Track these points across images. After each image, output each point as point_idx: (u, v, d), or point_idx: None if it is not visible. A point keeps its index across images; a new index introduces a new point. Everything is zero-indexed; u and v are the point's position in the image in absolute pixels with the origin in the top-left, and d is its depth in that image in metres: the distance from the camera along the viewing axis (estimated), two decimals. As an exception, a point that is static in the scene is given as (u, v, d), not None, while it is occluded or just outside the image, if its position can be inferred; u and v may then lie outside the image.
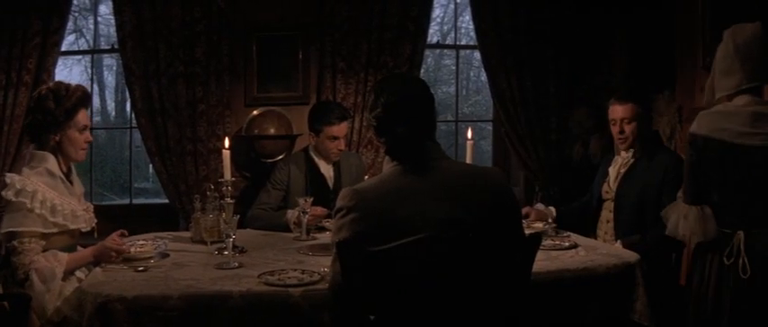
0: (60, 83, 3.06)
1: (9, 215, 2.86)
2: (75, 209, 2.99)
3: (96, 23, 5.91)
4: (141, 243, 3.29)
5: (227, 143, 3.17)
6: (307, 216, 3.45)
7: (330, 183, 3.95)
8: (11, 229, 2.82)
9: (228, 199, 3.10)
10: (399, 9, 4.82)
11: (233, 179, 3.12)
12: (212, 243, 3.29)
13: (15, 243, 2.80)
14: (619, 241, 3.42)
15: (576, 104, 4.99)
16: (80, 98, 3.02)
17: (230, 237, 2.88)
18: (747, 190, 2.64)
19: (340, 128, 3.83)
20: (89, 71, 6.20)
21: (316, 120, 3.88)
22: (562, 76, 5.05)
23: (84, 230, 3.08)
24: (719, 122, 2.65)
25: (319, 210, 3.61)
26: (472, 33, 5.19)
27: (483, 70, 5.17)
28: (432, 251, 2.02)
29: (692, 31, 4.37)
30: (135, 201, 5.45)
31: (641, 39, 4.76)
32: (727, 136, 2.62)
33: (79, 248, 3.12)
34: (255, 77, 4.90)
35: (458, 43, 5.44)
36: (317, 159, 3.94)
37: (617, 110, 3.57)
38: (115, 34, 4.66)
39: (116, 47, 4.71)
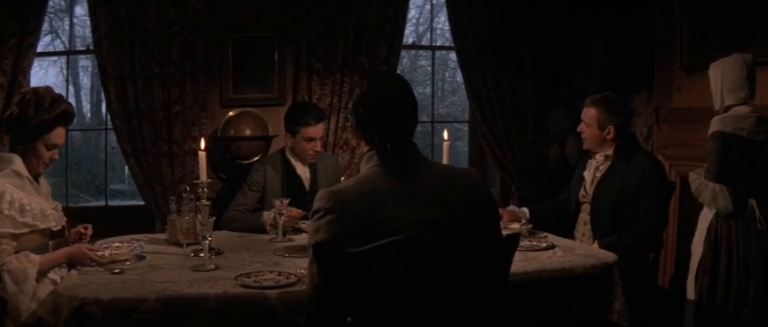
0: (49, 91, 2.99)
1: None
2: (43, 208, 2.96)
3: (72, 25, 5.84)
4: (117, 245, 3.26)
5: (203, 144, 3.16)
6: (283, 217, 3.43)
7: (306, 185, 3.94)
8: None
9: (204, 201, 3.08)
10: (376, 9, 4.83)
11: (209, 180, 3.10)
12: (188, 244, 3.27)
13: None
14: (596, 242, 3.45)
15: (554, 105, 5.02)
16: (60, 116, 2.95)
17: (206, 239, 2.86)
18: (756, 170, 3.35)
19: (316, 130, 3.83)
20: (64, 72, 6.14)
21: (292, 121, 3.87)
22: (539, 77, 5.08)
23: (54, 229, 3.04)
24: (737, 123, 3.34)
25: (295, 212, 3.60)
26: (448, 34, 5.22)
27: (458, 71, 5.19)
28: (410, 253, 2.00)
29: (671, 33, 4.41)
30: (111, 203, 5.39)
31: (619, 39, 4.79)
32: (744, 134, 3.32)
33: (51, 245, 3.09)
34: (231, 78, 4.88)
35: (433, 44, 5.45)
36: (293, 160, 3.93)
37: (584, 112, 3.63)
38: (91, 35, 4.62)
39: (92, 48, 4.67)
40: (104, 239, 3.43)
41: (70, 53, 4.87)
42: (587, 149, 3.70)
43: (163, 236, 3.54)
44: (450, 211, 2.11)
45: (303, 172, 3.93)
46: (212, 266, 2.84)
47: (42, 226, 2.94)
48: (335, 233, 2.03)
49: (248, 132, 4.67)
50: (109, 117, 4.68)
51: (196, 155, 4.63)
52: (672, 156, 4.47)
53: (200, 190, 3.07)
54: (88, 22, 4.68)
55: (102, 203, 5.42)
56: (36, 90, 2.99)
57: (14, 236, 2.83)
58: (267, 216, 3.61)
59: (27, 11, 4.42)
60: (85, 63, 8.05)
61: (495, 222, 2.25)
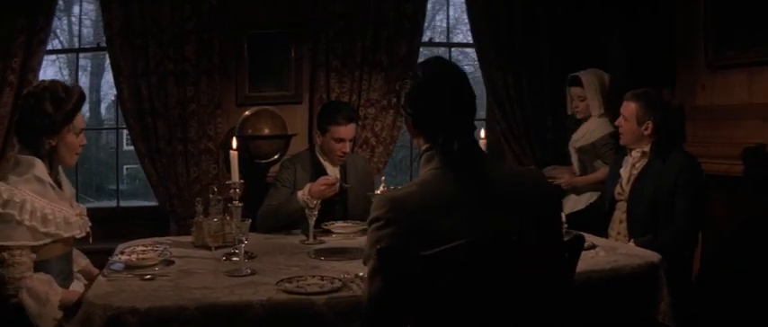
0: (56, 82, 2.85)
1: None
2: (67, 216, 2.81)
3: (71, 24, 5.72)
4: (141, 248, 3.15)
5: (235, 143, 3.03)
6: (314, 217, 3.33)
7: (336, 185, 3.81)
8: (1, 243, 2.63)
9: (237, 202, 2.96)
10: (394, 6, 4.73)
11: (241, 181, 2.98)
12: (217, 248, 3.16)
13: (5, 254, 2.61)
14: (632, 241, 3.37)
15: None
16: (79, 100, 2.84)
17: (243, 242, 2.75)
18: None
19: (347, 130, 3.72)
20: (63, 72, 6.00)
21: (323, 119, 3.79)
22: (557, 74, 4.99)
23: (78, 236, 2.90)
24: None
25: (331, 179, 3.52)
26: (461, 31, 5.15)
27: (474, 68, 5.10)
28: (479, 259, 1.88)
29: (694, 30, 4.32)
30: (122, 204, 5.26)
31: (639, 37, 4.71)
32: None
33: (77, 259, 2.98)
34: (247, 76, 4.77)
35: (449, 41, 5.36)
36: (323, 160, 3.82)
37: (623, 106, 3.56)
38: (91, 35, 4.50)
39: (100, 46, 4.55)
40: (126, 242, 3.32)
41: (80, 50, 4.74)
42: (624, 144, 3.63)
43: (186, 239, 3.43)
44: (520, 216, 1.97)
45: (333, 172, 3.80)
46: (248, 270, 2.73)
47: (65, 235, 2.80)
48: (397, 245, 1.88)
49: (267, 131, 4.56)
50: (121, 115, 4.55)
51: (212, 155, 4.56)
52: (695, 154, 4.39)
53: (233, 191, 2.95)
54: (87, 22, 4.57)
55: (114, 204, 5.29)
56: (43, 85, 2.81)
57: (34, 248, 2.70)
58: (301, 193, 3.52)
59: (37, 7, 4.29)
60: (84, 62, 7.89)
61: (560, 226, 2.14)
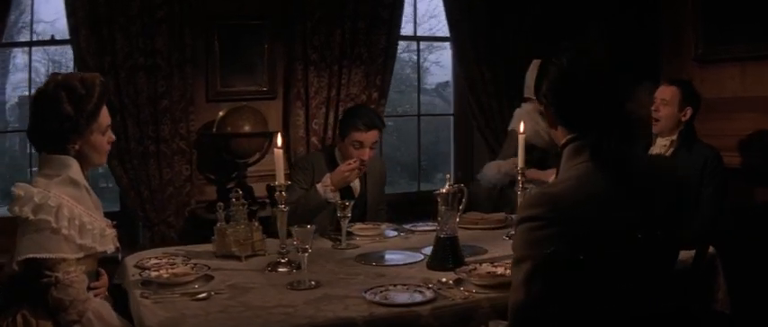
0: (71, 76, 2.46)
1: (29, 236, 2.27)
2: (103, 228, 2.46)
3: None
4: (155, 261, 2.83)
5: (279, 141, 2.76)
6: (348, 218, 3.11)
7: (355, 190, 3.62)
8: (37, 256, 2.24)
9: (282, 206, 2.70)
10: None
11: (288, 182, 2.72)
12: (247, 257, 2.88)
13: (60, 274, 2.24)
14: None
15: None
16: (102, 94, 2.47)
17: (307, 251, 2.49)
18: None
19: (366, 136, 3.53)
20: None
21: (343, 123, 3.63)
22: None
23: (109, 253, 2.55)
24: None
25: (353, 163, 3.43)
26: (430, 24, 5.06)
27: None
28: (633, 255, 1.83)
29: (681, 23, 4.39)
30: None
31: (619, 28, 4.74)
32: None
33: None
34: (218, 71, 4.43)
35: (417, 34, 5.21)
36: (341, 164, 3.57)
37: (662, 90, 3.55)
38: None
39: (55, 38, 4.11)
40: (129, 255, 2.97)
41: (33, 44, 4.22)
42: (658, 131, 3.60)
43: (199, 248, 3.11)
44: (662, 209, 1.91)
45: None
46: (313, 283, 2.48)
47: (100, 250, 2.44)
48: (561, 245, 1.76)
49: (247, 128, 4.25)
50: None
51: (184, 155, 4.23)
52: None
53: (279, 193, 2.69)
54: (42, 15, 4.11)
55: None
56: (55, 81, 2.42)
57: (78, 261, 2.34)
58: (321, 186, 3.37)
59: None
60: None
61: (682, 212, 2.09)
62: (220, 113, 4.30)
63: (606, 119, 1.90)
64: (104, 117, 2.51)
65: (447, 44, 5.14)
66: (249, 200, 4.20)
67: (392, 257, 2.90)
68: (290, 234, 2.62)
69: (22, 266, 2.28)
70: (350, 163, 3.40)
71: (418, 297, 2.26)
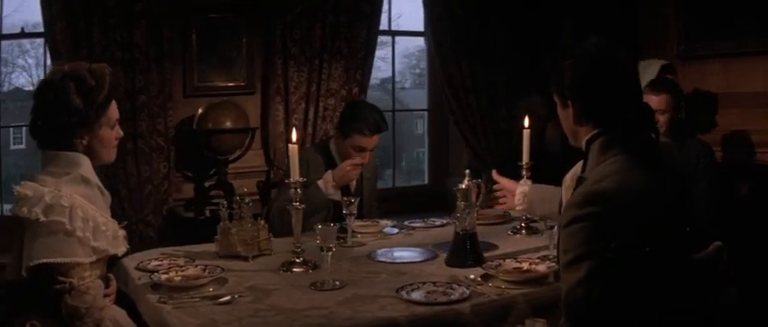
0: (79, 66, 2.29)
1: (40, 240, 2.10)
2: (116, 229, 2.33)
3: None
4: (161, 263, 2.71)
5: (294, 136, 2.68)
6: (354, 215, 3.05)
7: (352, 188, 3.53)
8: (51, 260, 2.10)
9: (297, 204, 2.62)
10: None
11: (303, 179, 2.64)
12: (254, 257, 2.79)
13: (74, 280, 2.11)
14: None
15: (529, 92, 4.94)
16: (113, 85, 2.31)
17: (331, 250, 2.42)
18: None
19: (371, 141, 3.40)
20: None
21: (347, 122, 3.44)
22: (510, 64, 4.99)
23: (120, 255, 2.42)
24: None
25: (356, 159, 3.34)
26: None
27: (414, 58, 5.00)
28: (676, 247, 1.88)
29: (662, 20, 4.44)
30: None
31: (598, 25, 4.76)
32: None
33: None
34: (195, 65, 4.29)
35: (392, 29, 5.17)
36: (338, 161, 3.47)
37: (652, 101, 3.55)
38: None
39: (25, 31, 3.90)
40: (131, 256, 2.83)
41: (2, 38, 3.99)
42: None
43: (197, 249, 2.99)
44: (685, 197, 2.00)
45: None
46: (337, 283, 2.41)
47: (112, 252, 2.31)
48: (620, 240, 1.76)
49: (229, 124, 4.13)
50: None
51: (162, 152, 4.10)
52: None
53: (294, 190, 2.61)
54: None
55: None
56: (63, 72, 2.26)
57: (91, 266, 2.21)
58: (323, 182, 3.26)
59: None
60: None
61: None
62: (200, 109, 4.17)
63: (633, 111, 1.92)
64: (114, 110, 2.37)
65: (388, 38, 5.15)
66: (231, 199, 4.13)
67: (405, 254, 2.85)
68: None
69: (32, 272, 2.13)
70: (355, 160, 3.30)
71: (455, 295, 2.22)
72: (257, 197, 4.01)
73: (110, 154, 2.40)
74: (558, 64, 2.01)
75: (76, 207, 2.16)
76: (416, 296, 2.22)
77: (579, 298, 1.79)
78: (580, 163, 2.10)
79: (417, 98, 5.73)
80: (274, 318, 2.11)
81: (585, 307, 1.79)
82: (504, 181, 2.93)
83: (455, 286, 2.30)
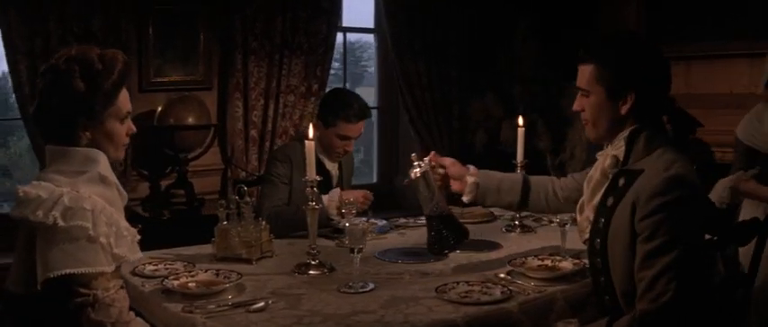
0: (88, 50, 2.01)
1: (60, 247, 1.86)
2: (135, 234, 2.14)
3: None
4: (157, 268, 2.55)
5: (311, 132, 2.57)
6: (354, 209, 2.92)
7: (334, 183, 3.40)
8: (74, 270, 1.86)
9: (313, 204, 2.53)
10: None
11: (319, 178, 2.55)
12: (257, 260, 2.67)
13: (99, 291, 1.89)
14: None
15: (482, 91, 4.99)
16: (123, 73, 2.04)
17: (361, 251, 2.35)
18: None
19: (357, 128, 3.27)
20: None
21: (330, 111, 3.26)
22: (463, 62, 5.04)
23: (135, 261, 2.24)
24: None
25: (362, 196, 3.15)
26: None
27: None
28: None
29: (623, 19, 4.57)
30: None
31: (555, 24, 4.83)
32: None
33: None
34: (152, 59, 4.09)
35: (343, 25, 5.10)
36: (320, 154, 3.33)
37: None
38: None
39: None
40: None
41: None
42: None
43: (190, 251, 2.83)
44: None
45: (332, 168, 3.35)
46: (371, 285, 2.34)
47: (132, 259, 2.11)
48: (702, 223, 1.88)
49: (191, 120, 3.95)
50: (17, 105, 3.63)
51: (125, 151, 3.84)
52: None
53: (310, 188, 2.51)
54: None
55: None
56: (68, 55, 1.99)
57: (113, 275, 2.01)
58: (328, 200, 3.09)
59: None
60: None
61: None
62: (160, 106, 3.98)
63: (669, 106, 2.04)
64: (124, 101, 2.08)
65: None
66: (191, 198, 3.96)
67: (412, 254, 2.77)
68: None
69: (49, 284, 1.91)
70: (368, 195, 3.16)
71: (497, 293, 2.20)
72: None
73: (117, 152, 2.13)
74: (610, 53, 2.02)
75: (99, 210, 1.95)
76: (456, 295, 2.19)
77: (666, 285, 1.79)
78: (600, 163, 2.12)
79: (363, 95, 5.66)
80: (323, 325, 2.02)
81: (673, 292, 1.79)
82: (447, 163, 2.57)
83: (490, 284, 2.28)
